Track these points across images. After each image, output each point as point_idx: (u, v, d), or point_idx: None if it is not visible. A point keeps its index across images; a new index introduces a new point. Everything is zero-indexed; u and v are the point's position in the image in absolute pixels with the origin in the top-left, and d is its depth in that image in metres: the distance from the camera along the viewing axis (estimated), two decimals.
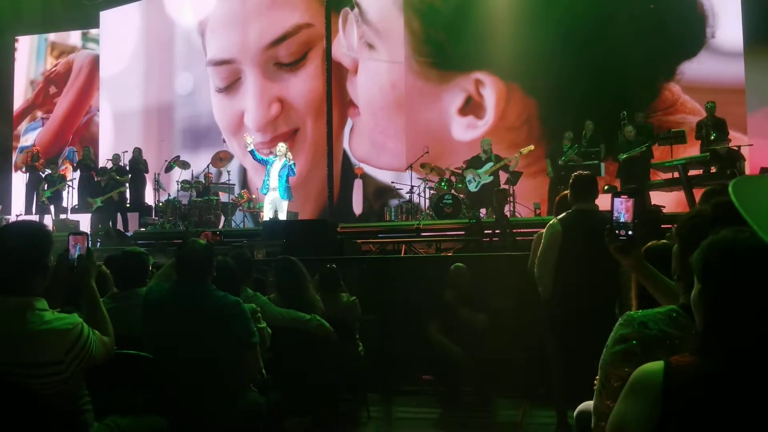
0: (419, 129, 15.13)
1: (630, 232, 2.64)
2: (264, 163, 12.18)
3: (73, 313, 2.95)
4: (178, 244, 4.02)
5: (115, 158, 14.61)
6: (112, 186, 13.89)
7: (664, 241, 2.98)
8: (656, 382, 1.73)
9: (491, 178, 12.11)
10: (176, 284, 3.92)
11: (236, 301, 3.85)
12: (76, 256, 3.21)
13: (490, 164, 12.12)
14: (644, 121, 12.40)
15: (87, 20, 18.83)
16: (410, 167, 13.58)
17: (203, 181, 14.38)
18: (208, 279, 3.89)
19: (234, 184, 14.89)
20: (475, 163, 12.40)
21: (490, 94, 14.85)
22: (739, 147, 11.05)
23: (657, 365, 1.76)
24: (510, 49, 14.28)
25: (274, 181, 11.98)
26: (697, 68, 13.62)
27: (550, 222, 5.25)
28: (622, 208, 2.66)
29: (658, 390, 1.72)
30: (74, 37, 19.40)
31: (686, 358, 1.75)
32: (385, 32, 15.65)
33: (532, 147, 12.46)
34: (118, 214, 14.21)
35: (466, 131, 14.90)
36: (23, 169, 16.09)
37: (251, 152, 12.13)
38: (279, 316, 5.01)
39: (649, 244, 3.01)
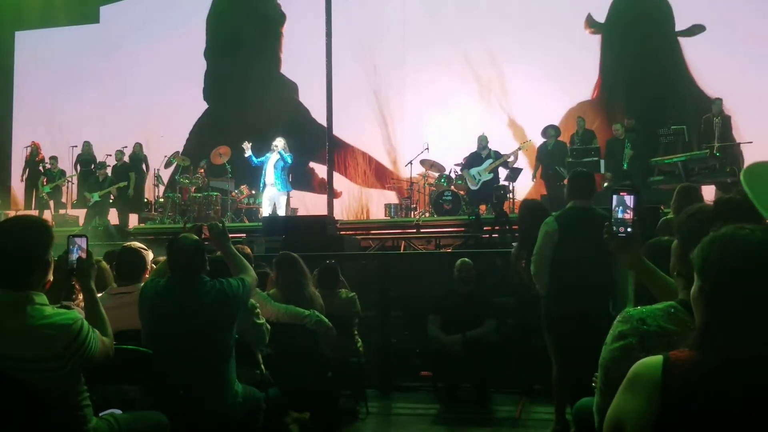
0: None
1: (629, 229, 2.63)
2: (261, 164, 12.29)
3: (72, 310, 2.96)
4: (169, 240, 4.01)
5: (118, 155, 14.58)
6: (110, 181, 13.88)
7: (666, 237, 2.98)
8: (655, 376, 1.73)
9: (491, 175, 12.08)
10: (170, 280, 3.93)
11: (222, 284, 3.88)
12: (75, 258, 3.21)
13: (490, 161, 12.10)
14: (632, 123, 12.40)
15: (87, 15, 18.83)
16: (410, 163, 13.58)
17: (202, 177, 14.36)
18: (202, 273, 3.90)
19: (233, 179, 14.86)
20: (474, 160, 12.38)
21: None
22: (739, 144, 11.08)
23: (656, 360, 1.76)
24: None
25: (270, 176, 12.07)
26: None
27: (546, 219, 5.25)
28: (622, 205, 2.65)
29: (657, 384, 1.72)
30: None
31: (685, 353, 1.75)
32: None
33: (530, 141, 12.46)
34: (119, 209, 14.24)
35: None
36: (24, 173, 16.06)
37: (249, 158, 12.30)
38: (278, 311, 5.02)
39: (653, 240, 3.00)
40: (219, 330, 3.83)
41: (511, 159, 12.20)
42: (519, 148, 12.26)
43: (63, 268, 3.18)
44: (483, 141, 12.40)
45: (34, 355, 2.74)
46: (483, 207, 11.94)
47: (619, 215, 2.65)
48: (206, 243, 4.10)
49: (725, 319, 1.73)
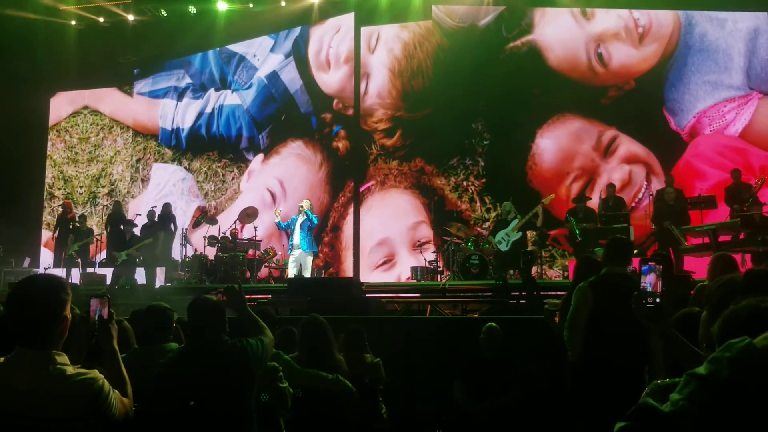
0: None
1: (657, 300, 2.59)
2: (288, 227, 12.43)
3: (94, 369, 2.94)
4: (190, 301, 3.99)
5: (150, 214, 14.75)
6: (137, 240, 14.00)
7: (691, 308, 2.93)
8: None
9: (520, 234, 12.07)
10: (190, 341, 3.91)
11: (243, 343, 3.84)
12: (96, 318, 3.21)
13: (516, 220, 12.10)
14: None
15: (122, 77, 19.31)
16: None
17: (230, 237, 14.46)
18: (222, 333, 3.86)
19: (260, 240, 14.95)
20: (500, 225, 12.40)
21: None
22: None
23: None
24: None
25: (296, 237, 12.15)
26: None
27: (580, 285, 5.20)
28: (650, 276, 2.61)
29: None
30: None
31: None
32: None
33: (552, 195, 12.47)
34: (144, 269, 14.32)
35: None
36: (54, 232, 16.30)
37: (277, 224, 12.49)
38: (301, 375, 4.97)
39: (684, 310, 2.95)
40: (240, 390, 3.78)
41: (538, 220, 12.14)
42: (541, 203, 12.21)
43: (85, 327, 3.18)
44: (507, 207, 12.46)
45: (55, 415, 2.72)
46: (510, 271, 11.88)
47: (648, 286, 2.61)
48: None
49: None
